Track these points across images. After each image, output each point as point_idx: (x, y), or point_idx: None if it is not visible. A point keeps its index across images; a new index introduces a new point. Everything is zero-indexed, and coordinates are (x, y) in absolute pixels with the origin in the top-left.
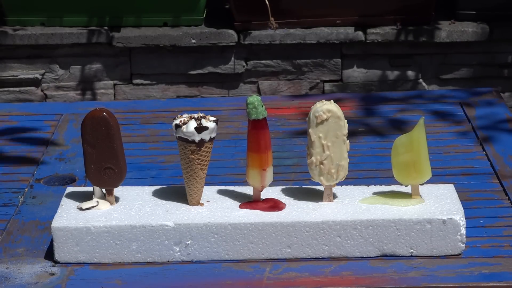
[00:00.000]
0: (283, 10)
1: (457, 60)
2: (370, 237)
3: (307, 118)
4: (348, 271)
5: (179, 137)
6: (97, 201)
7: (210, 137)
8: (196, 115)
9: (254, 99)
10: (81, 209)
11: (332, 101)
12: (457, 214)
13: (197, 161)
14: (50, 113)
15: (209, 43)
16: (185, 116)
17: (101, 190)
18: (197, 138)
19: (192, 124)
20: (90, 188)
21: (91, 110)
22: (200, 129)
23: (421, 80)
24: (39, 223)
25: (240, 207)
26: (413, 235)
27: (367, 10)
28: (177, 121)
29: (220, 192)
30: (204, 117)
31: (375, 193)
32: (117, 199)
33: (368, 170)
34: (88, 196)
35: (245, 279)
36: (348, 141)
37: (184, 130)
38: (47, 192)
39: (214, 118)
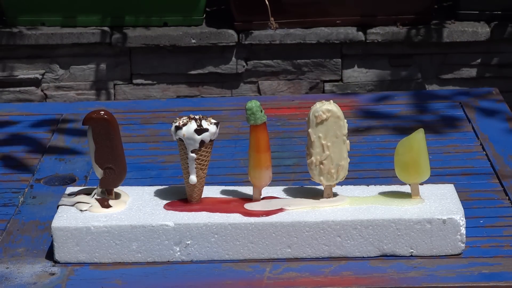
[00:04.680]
0: (283, 10)
1: (457, 60)
2: (370, 237)
3: (306, 118)
4: (348, 271)
5: (179, 137)
6: (94, 200)
7: (211, 138)
8: (197, 116)
9: (253, 104)
10: (80, 210)
11: (331, 101)
12: (457, 214)
13: (197, 161)
14: (50, 113)
15: (209, 43)
16: (184, 118)
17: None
18: (197, 139)
19: (192, 126)
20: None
21: (91, 111)
22: (200, 131)
23: (421, 80)
24: (39, 223)
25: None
26: (413, 235)
27: (367, 10)
28: (176, 123)
29: (220, 192)
30: (205, 118)
31: (375, 193)
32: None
33: (368, 170)
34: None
35: (245, 279)
36: (348, 141)
37: (185, 135)
38: (47, 192)
39: (215, 121)
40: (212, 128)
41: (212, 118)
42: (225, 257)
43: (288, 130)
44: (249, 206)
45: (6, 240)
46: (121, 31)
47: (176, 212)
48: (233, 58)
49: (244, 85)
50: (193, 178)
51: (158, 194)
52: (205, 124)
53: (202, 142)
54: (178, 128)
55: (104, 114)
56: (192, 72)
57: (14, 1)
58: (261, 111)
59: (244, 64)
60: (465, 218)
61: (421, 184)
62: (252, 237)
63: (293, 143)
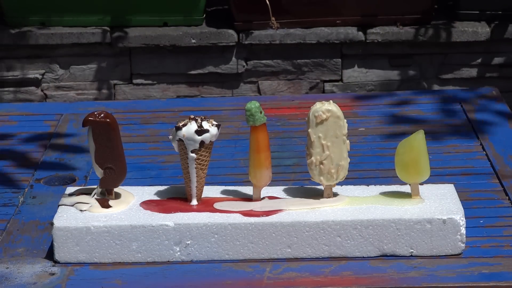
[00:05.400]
0: (283, 10)
1: (457, 60)
2: (370, 237)
3: (306, 119)
4: (348, 271)
5: (179, 138)
6: (94, 200)
7: (211, 140)
8: (198, 117)
9: (252, 105)
10: (80, 210)
11: (331, 101)
12: (457, 214)
13: (197, 161)
14: (50, 113)
15: (209, 43)
16: (185, 122)
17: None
18: (197, 140)
19: (193, 127)
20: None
21: (91, 112)
22: (200, 132)
23: (421, 80)
24: (39, 223)
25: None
26: (413, 235)
27: (367, 10)
28: (177, 125)
29: (220, 192)
30: (206, 119)
31: (375, 193)
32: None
33: (368, 170)
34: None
35: (245, 279)
36: (348, 141)
37: (185, 136)
38: (47, 192)
39: (216, 123)
40: (213, 130)
41: (214, 120)
42: (225, 257)
43: (288, 130)
44: (218, 205)
45: (6, 240)
46: (121, 31)
47: (177, 212)
48: (233, 58)
49: (244, 85)
50: (194, 202)
51: (158, 194)
52: (205, 125)
53: (202, 143)
54: (178, 128)
55: (104, 115)
56: (192, 72)
57: (14, 1)
58: (261, 112)
59: (244, 64)
60: (465, 218)
61: (421, 184)
62: (252, 237)
63: (293, 143)
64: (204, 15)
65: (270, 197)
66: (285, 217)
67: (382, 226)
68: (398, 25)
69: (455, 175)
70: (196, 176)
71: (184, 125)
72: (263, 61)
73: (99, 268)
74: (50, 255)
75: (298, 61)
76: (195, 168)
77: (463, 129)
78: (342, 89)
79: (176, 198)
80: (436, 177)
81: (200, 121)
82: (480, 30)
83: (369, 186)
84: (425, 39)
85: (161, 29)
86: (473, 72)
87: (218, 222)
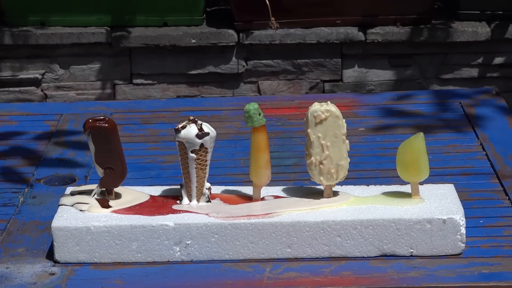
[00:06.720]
0: (283, 10)
1: (457, 60)
2: (370, 237)
3: (305, 119)
4: (348, 271)
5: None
6: (94, 200)
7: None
8: (198, 120)
9: (250, 107)
10: (80, 210)
11: (329, 102)
12: (457, 214)
13: (197, 161)
14: (50, 113)
15: (209, 43)
16: (184, 124)
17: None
18: (198, 143)
19: (193, 130)
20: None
21: (90, 117)
22: (201, 135)
23: (421, 80)
24: (39, 223)
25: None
26: (413, 235)
27: (367, 10)
28: (176, 126)
29: (220, 192)
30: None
31: (375, 193)
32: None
33: (368, 170)
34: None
35: (245, 279)
36: (347, 141)
37: (185, 139)
38: (47, 192)
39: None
40: (213, 133)
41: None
42: (225, 257)
43: (288, 130)
44: (218, 205)
45: (6, 240)
46: (121, 31)
47: (175, 212)
48: (233, 58)
49: (244, 85)
50: (194, 202)
51: (158, 194)
52: (205, 128)
53: (202, 144)
54: (177, 131)
55: (103, 120)
56: (192, 72)
57: (14, 1)
58: (260, 114)
59: (244, 64)
60: (465, 218)
61: (421, 184)
62: (252, 237)
63: (293, 143)
64: (204, 15)
65: (270, 197)
66: (285, 217)
67: (382, 226)
68: (398, 25)
69: (455, 175)
70: (196, 176)
71: (183, 127)
72: (263, 61)
73: (99, 268)
74: (50, 255)
75: (298, 61)
76: (195, 168)
77: (463, 129)
78: (342, 89)
79: (173, 197)
80: (436, 177)
81: (200, 124)
82: (480, 30)
83: (369, 186)
84: (425, 39)
85: (161, 29)
86: (473, 72)
87: (218, 222)
